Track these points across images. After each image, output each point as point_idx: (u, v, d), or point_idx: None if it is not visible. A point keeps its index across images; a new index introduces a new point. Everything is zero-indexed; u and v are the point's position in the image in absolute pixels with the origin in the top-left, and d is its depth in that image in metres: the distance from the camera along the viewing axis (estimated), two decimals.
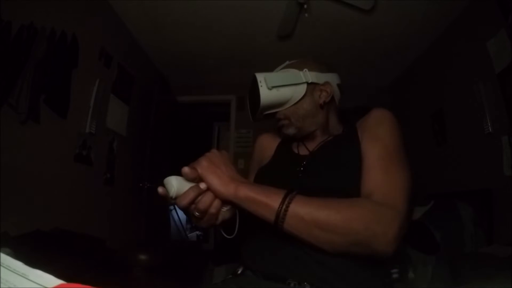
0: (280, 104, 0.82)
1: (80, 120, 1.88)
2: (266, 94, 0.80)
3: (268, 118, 0.87)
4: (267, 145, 0.97)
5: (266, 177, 0.84)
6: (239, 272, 0.70)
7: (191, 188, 0.56)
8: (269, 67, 0.86)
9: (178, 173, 0.56)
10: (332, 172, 0.73)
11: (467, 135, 2.13)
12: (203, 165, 0.58)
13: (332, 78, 0.87)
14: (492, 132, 1.86)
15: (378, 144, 0.70)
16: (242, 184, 0.59)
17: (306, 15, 2.12)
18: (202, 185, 0.57)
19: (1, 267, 0.25)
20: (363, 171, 0.67)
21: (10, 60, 1.35)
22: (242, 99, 3.55)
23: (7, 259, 0.26)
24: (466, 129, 2.14)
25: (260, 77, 0.81)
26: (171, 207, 3.97)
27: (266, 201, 0.57)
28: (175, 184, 0.55)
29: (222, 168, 0.60)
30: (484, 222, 1.77)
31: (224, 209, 0.60)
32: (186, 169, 0.56)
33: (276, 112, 0.85)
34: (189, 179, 0.57)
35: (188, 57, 3.00)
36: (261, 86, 0.80)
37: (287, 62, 0.87)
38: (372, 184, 0.64)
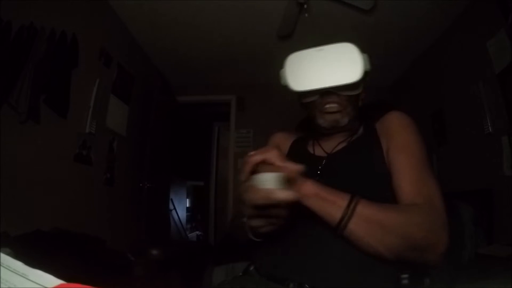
0: (351, 88, 0.73)
1: (80, 120, 1.88)
2: (358, 76, 0.69)
3: (313, 95, 0.75)
4: (282, 144, 0.92)
5: None
6: (250, 269, 0.69)
7: (293, 191, 0.51)
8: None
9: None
10: (351, 177, 0.69)
11: (467, 135, 2.13)
12: (279, 156, 0.54)
13: None
14: (492, 132, 1.86)
15: (408, 153, 0.68)
16: (307, 180, 0.57)
17: (306, 15, 2.12)
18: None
19: (1, 267, 0.25)
20: (397, 181, 0.66)
21: (10, 60, 1.35)
22: (242, 99, 3.55)
23: (7, 259, 0.26)
24: (466, 129, 2.14)
25: (359, 54, 0.70)
26: (171, 208, 3.97)
27: (334, 199, 0.56)
28: (277, 184, 0.49)
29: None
30: (484, 222, 1.77)
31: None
32: (298, 167, 0.53)
33: (335, 95, 0.74)
34: (289, 179, 0.52)
35: (188, 57, 3.00)
36: (361, 63, 0.70)
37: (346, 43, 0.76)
38: (414, 195, 0.63)
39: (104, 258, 1.48)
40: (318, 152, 0.81)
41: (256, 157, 0.55)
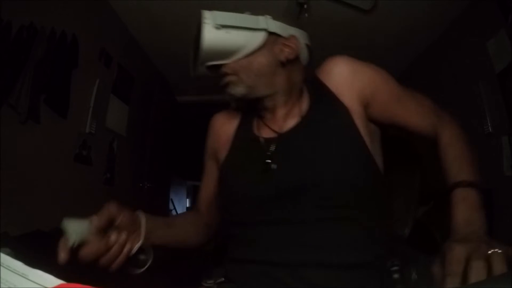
0: (228, 53, 0.64)
1: (80, 120, 1.88)
2: (212, 35, 0.61)
3: (213, 74, 0.69)
4: (222, 128, 0.78)
5: (230, 179, 0.67)
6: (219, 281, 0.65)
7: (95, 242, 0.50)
8: None
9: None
10: (319, 158, 0.57)
11: (467, 135, 2.13)
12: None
13: (301, 35, 0.70)
14: (492, 132, 1.86)
15: (389, 89, 0.66)
16: None
17: (306, 15, 2.12)
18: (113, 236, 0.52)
19: (1, 267, 0.25)
20: (408, 122, 0.67)
21: (10, 60, 1.35)
22: None
23: (7, 259, 0.26)
24: (466, 129, 2.13)
25: (208, 13, 0.63)
26: (171, 208, 3.97)
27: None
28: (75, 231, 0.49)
29: None
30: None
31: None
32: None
33: (222, 66, 0.66)
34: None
35: (188, 57, 3.00)
36: (206, 23, 0.62)
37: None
38: (427, 122, 0.68)
39: None
40: (266, 133, 0.68)
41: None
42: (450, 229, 0.54)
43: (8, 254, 0.27)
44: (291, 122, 0.66)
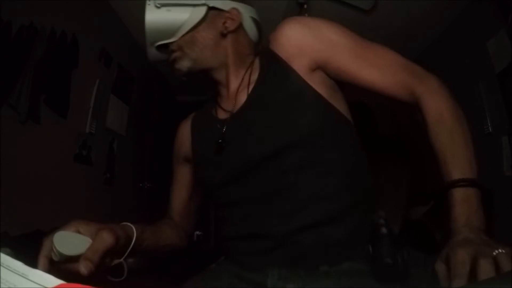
0: (172, 31, 0.67)
1: (80, 120, 1.88)
2: (154, 15, 0.67)
3: (164, 55, 0.73)
4: (186, 129, 0.81)
5: (197, 165, 0.72)
6: (220, 260, 0.69)
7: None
8: None
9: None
10: (270, 128, 0.58)
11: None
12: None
13: (244, 8, 0.72)
14: (492, 132, 1.86)
15: (344, 49, 0.61)
16: None
17: (306, 15, 2.12)
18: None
19: (1, 267, 0.25)
20: (377, 83, 0.61)
21: (10, 60, 1.35)
22: None
23: (7, 259, 0.26)
24: None
25: None
26: None
27: None
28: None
29: None
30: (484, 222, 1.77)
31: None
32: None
33: (169, 45, 0.69)
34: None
35: None
36: (148, 5, 0.67)
37: None
38: (395, 80, 0.60)
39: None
40: (221, 114, 0.70)
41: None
42: (449, 229, 0.53)
43: (8, 254, 0.27)
44: (241, 97, 0.66)
